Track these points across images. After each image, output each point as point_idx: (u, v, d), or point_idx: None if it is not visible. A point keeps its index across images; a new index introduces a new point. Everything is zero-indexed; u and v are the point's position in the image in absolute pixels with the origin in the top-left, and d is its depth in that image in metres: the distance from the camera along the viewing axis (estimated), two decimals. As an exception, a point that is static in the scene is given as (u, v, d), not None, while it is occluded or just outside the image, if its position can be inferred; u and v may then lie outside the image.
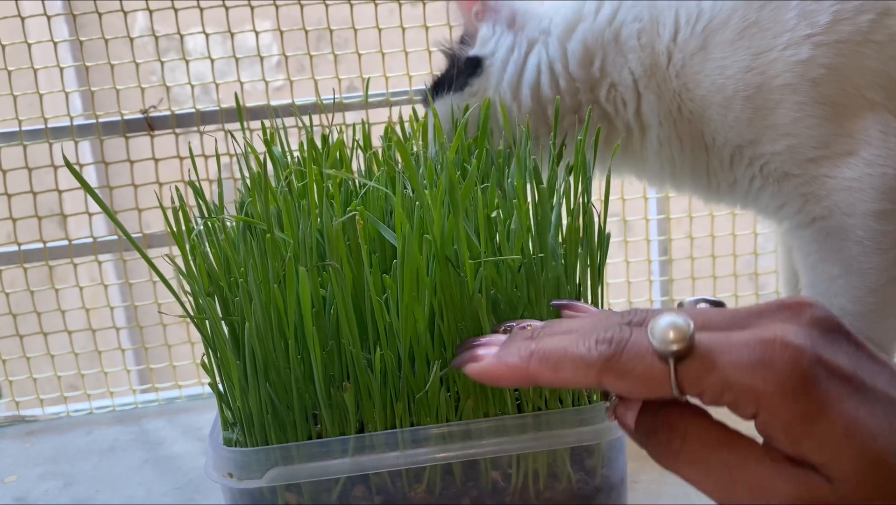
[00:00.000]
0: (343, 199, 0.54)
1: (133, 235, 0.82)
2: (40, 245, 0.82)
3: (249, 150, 0.51)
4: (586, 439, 0.46)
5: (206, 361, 0.48)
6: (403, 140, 0.60)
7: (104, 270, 0.85)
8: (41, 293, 0.83)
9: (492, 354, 0.33)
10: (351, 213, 0.43)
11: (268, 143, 0.52)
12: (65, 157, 0.40)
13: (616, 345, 0.29)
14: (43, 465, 0.72)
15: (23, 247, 0.81)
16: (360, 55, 0.83)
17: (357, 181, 0.58)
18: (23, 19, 0.77)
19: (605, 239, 0.50)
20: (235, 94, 0.66)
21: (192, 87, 0.81)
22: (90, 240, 0.82)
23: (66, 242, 0.82)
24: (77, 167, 0.79)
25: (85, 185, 0.42)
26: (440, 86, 0.70)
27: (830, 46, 0.58)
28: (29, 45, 0.78)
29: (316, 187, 0.49)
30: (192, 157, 0.50)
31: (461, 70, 0.69)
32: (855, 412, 0.27)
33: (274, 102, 0.82)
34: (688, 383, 0.28)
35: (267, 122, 0.82)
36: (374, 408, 0.45)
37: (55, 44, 0.78)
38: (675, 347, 0.28)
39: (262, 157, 0.51)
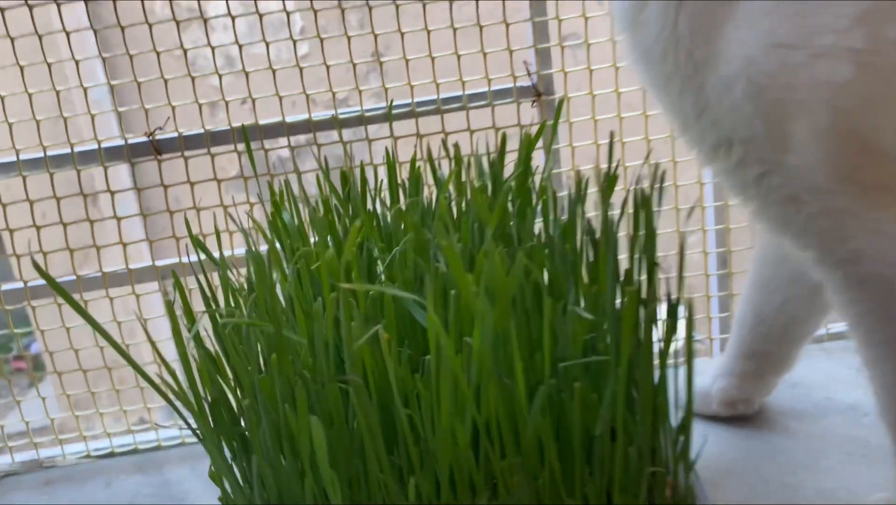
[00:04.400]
0: (365, 265, 0.47)
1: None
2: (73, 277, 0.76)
3: (255, 226, 0.43)
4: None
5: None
6: (436, 183, 0.51)
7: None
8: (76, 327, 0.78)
9: None
10: (375, 328, 0.35)
11: (276, 218, 0.44)
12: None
13: None
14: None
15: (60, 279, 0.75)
16: (375, 36, 0.74)
17: (379, 251, 0.50)
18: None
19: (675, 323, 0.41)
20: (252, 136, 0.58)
21: (200, 105, 0.73)
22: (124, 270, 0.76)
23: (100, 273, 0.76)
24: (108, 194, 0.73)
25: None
26: None
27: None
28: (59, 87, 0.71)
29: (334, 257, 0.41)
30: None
31: None
32: None
33: (289, 118, 0.74)
34: None
35: (285, 142, 0.74)
36: (409, 539, 0.39)
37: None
38: None
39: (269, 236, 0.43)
